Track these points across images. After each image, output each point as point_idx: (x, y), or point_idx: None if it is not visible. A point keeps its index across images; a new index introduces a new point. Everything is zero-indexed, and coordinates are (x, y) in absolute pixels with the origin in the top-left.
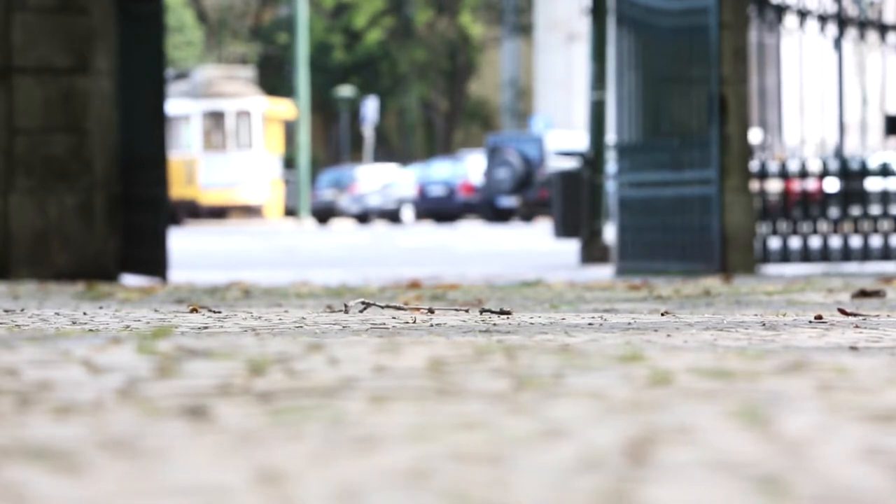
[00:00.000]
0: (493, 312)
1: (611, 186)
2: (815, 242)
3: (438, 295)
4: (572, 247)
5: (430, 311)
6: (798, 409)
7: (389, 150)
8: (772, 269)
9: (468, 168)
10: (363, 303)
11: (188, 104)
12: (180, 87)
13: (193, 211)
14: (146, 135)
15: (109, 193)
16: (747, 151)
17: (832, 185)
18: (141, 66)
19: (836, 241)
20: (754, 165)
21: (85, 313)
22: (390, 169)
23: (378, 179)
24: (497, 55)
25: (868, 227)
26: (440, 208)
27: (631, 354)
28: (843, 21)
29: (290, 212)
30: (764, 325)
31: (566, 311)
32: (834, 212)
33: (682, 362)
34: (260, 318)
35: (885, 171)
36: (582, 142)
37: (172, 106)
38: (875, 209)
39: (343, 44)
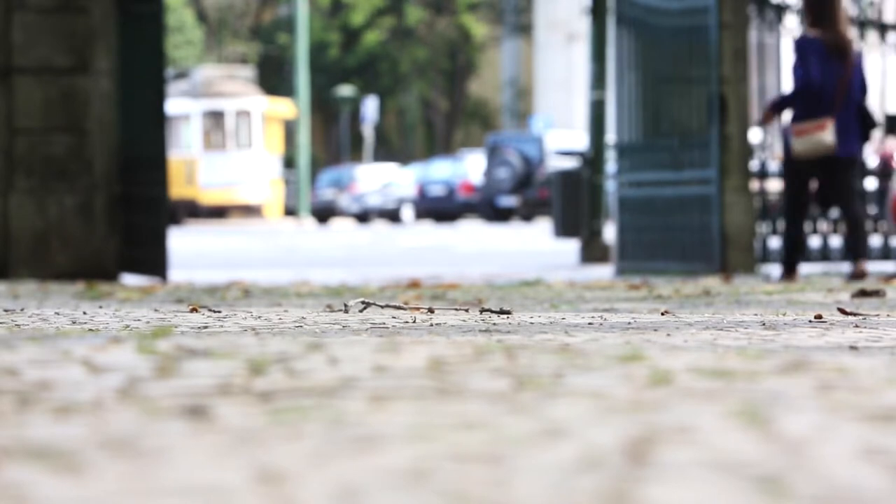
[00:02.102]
0: (493, 312)
1: (611, 186)
2: (815, 242)
3: (438, 294)
4: (572, 247)
5: (430, 310)
6: (798, 409)
7: (389, 149)
8: (772, 268)
9: (468, 168)
10: (363, 302)
11: (188, 104)
12: (180, 87)
13: (193, 211)
14: (146, 135)
15: (109, 193)
16: (747, 151)
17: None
18: (141, 66)
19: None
20: (754, 165)
21: (85, 313)
22: (390, 169)
23: (378, 179)
24: (497, 55)
25: (868, 227)
26: (440, 208)
27: (631, 354)
28: None
29: (290, 211)
30: (764, 324)
31: (566, 310)
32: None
33: (682, 362)
34: (260, 317)
35: (885, 172)
36: (582, 142)
37: (172, 106)
38: (875, 209)
39: (340, 42)
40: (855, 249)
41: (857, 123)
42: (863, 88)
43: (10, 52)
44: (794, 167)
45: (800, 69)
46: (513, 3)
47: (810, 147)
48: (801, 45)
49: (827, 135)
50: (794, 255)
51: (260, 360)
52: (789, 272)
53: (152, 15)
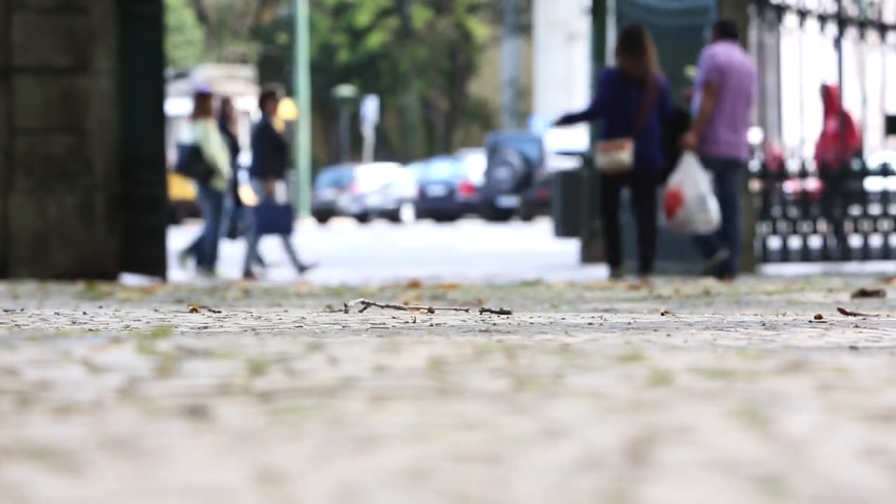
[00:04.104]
0: (493, 312)
1: None
2: (815, 242)
3: (438, 295)
4: (572, 247)
5: (430, 310)
6: (798, 409)
7: (389, 149)
8: (772, 268)
9: (468, 168)
10: (363, 302)
11: (188, 104)
12: (180, 87)
13: (193, 211)
14: (146, 135)
15: (109, 193)
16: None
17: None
18: (141, 66)
19: (835, 241)
20: (754, 165)
21: (85, 313)
22: (390, 169)
23: (378, 179)
24: (497, 55)
25: (868, 226)
26: (440, 208)
27: (631, 354)
28: (842, 21)
29: None
30: (764, 324)
31: (566, 310)
32: (836, 212)
33: (682, 362)
34: (260, 318)
35: (885, 171)
36: (582, 142)
37: (172, 106)
38: (875, 209)
39: (347, 43)
40: (644, 258)
41: (659, 144)
42: (668, 112)
43: (10, 52)
44: (605, 178)
45: (595, 96)
46: (513, 3)
47: (609, 163)
48: (602, 75)
49: (624, 154)
50: (616, 254)
51: (260, 360)
52: (616, 269)
53: (152, 15)
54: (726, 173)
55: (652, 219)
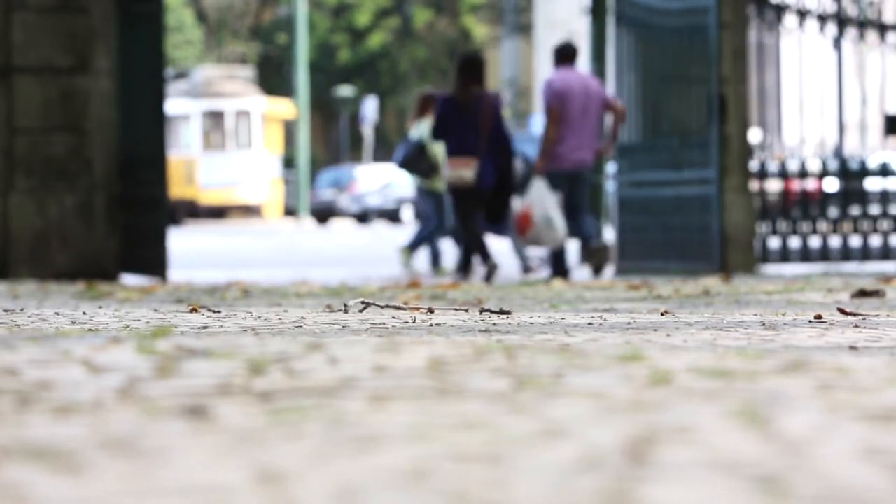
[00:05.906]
0: (492, 312)
1: (611, 186)
2: (814, 242)
3: (438, 294)
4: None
5: (430, 310)
6: (798, 409)
7: (389, 150)
8: (771, 268)
9: None
10: (363, 302)
11: (188, 104)
12: (180, 87)
13: (193, 211)
14: (146, 135)
15: (109, 193)
16: (747, 151)
17: (832, 184)
18: (141, 66)
19: (835, 241)
20: (754, 165)
21: (85, 313)
22: (390, 169)
23: (378, 179)
24: (497, 55)
25: (867, 226)
26: None
27: (631, 354)
28: (842, 21)
29: (290, 211)
30: (764, 324)
31: (566, 310)
32: (833, 212)
33: (681, 362)
34: (260, 317)
35: (884, 171)
36: None
37: (172, 106)
38: (874, 209)
39: (347, 43)
40: (465, 259)
41: (493, 162)
42: (501, 134)
43: (10, 52)
44: (455, 192)
45: (436, 122)
46: (513, 3)
47: (454, 178)
48: (440, 103)
49: (468, 171)
50: (486, 250)
51: (260, 360)
52: (466, 271)
53: (152, 15)
54: (574, 184)
55: (475, 226)
